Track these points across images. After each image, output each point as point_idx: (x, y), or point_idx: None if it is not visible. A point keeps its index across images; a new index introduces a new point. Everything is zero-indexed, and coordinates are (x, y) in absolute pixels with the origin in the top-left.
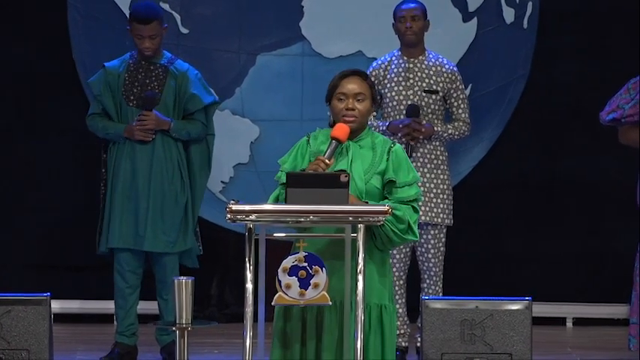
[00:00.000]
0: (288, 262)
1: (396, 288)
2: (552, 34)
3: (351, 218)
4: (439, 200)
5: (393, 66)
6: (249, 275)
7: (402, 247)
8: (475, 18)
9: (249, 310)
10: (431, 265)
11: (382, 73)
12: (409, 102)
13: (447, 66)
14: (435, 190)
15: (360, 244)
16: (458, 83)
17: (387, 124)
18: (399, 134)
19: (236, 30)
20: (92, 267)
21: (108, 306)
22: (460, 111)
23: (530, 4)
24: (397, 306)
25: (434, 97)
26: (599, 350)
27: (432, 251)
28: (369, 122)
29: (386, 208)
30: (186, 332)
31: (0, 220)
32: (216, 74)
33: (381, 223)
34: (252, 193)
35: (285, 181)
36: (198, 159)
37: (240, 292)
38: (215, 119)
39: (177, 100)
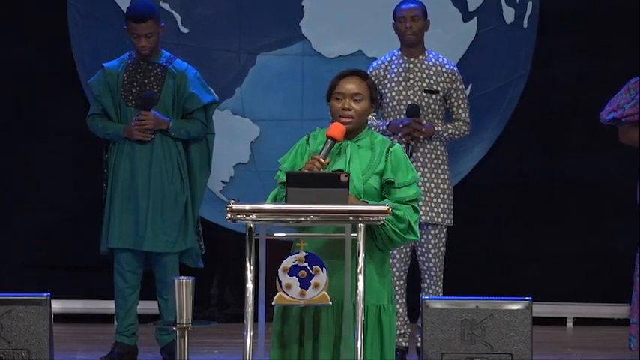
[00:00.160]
0: (288, 261)
1: (397, 288)
2: (552, 34)
3: (351, 218)
4: (439, 200)
5: (393, 66)
6: (249, 275)
7: (402, 246)
8: (475, 18)
9: (249, 309)
10: (431, 264)
11: (382, 73)
12: (409, 102)
13: (447, 66)
14: (435, 190)
15: (361, 243)
16: (458, 83)
17: (388, 124)
18: (400, 134)
19: (236, 30)
20: (92, 267)
21: (108, 306)
22: (460, 111)
23: (530, 3)
24: (397, 306)
25: (434, 96)
26: (600, 350)
27: (433, 251)
28: (368, 122)
29: (386, 207)
30: (186, 332)
31: (0, 220)
32: (216, 74)
33: (382, 222)
34: (253, 193)
35: (283, 181)
36: (198, 158)
37: (241, 292)
38: (215, 119)
39: (176, 99)
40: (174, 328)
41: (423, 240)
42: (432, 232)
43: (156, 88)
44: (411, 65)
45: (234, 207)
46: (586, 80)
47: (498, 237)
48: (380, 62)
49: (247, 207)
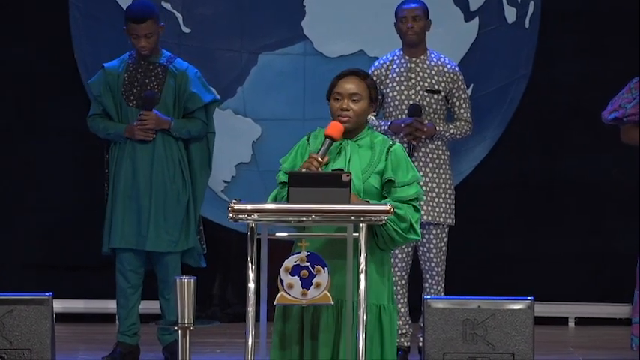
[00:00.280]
0: (290, 261)
1: (398, 287)
2: (554, 34)
3: (353, 218)
4: (441, 200)
5: (394, 65)
6: (251, 275)
7: (404, 246)
8: (477, 17)
9: (251, 309)
10: (433, 264)
11: (384, 73)
12: (411, 102)
13: (448, 65)
14: (436, 190)
15: (362, 243)
16: (460, 83)
17: (389, 123)
18: (401, 134)
19: (238, 29)
20: (92, 267)
21: (108, 305)
22: (462, 110)
23: (531, 3)
24: (399, 305)
25: (436, 96)
26: (601, 350)
27: (434, 251)
28: (370, 122)
29: (388, 207)
30: (188, 332)
31: (0, 220)
32: (218, 74)
33: (383, 222)
34: (254, 193)
35: (283, 181)
36: (198, 157)
37: (242, 292)
38: (217, 119)
39: (177, 98)
40: (176, 327)
41: (424, 240)
42: (434, 231)
43: (157, 88)
44: (413, 65)
45: (236, 207)
46: (587, 80)
47: (500, 237)
48: (381, 62)
49: (249, 207)
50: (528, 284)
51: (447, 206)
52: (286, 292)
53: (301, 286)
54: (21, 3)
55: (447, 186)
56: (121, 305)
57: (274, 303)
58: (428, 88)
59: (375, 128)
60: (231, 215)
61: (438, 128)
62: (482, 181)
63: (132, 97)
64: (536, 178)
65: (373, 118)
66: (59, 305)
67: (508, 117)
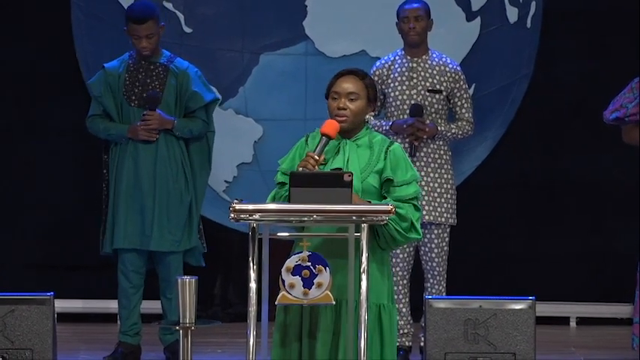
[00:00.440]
0: (291, 261)
1: (400, 287)
2: (556, 34)
3: (354, 217)
4: (442, 200)
5: (396, 65)
6: (252, 275)
7: (405, 246)
8: (478, 17)
9: (252, 309)
10: (434, 264)
11: (385, 73)
12: (412, 101)
13: (450, 65)
14: (438, 190)
15: (364, 243)
16: (461, 82)
17: (391, 123)
18: (403, 134)
19: (239, 29)
20: (92, 267)
21: (109, 305)
22: (464, 110)
23: (533, 3)
24: (401, 305)
25: (437, 96)
26: (603, 350)
27: (436, 251)
28: (372, 121)
29: (389, 207)
30: (189, 332)
31: (0, 220)
32: (219, 73)
33: (385, 222)
34: (256, 193)
35: (281, 181)
36: (198, 157)
37: (244, 292)
38: (218, 118)
39: (179, 98)
40: (177, 327)
41: (426, 240)
42: (435, 231)
43: (158, 88)
44: (414, 65)
45: (238, 207)
46: (589, 80)
47: (501, 236)
48: (383, 62)
49: (250, 207)
50: (530, 284)
51: (449, 206)
52: (288, 292)
53: (303, 286)
54: (22, 3)
55: (449, 186)
56: (122, 305)
57: (276, 303)
58: (429, 88)
59: (376, 128)
60: (232, 215)
61: (439, 128)
62: (484, 181)
63: (133, 97)
64: (537, 178)
65: (371, 117)
66: (59, 305)
67: (510, 117)
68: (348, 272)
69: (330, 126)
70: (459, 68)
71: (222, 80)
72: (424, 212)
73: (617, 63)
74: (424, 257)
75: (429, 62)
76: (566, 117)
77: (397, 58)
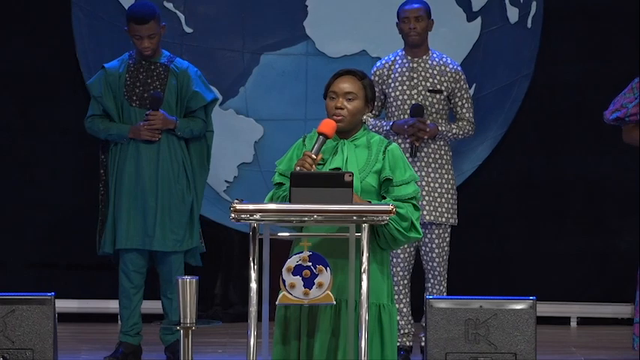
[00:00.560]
0: (292, 261)
1: (401, 287)
2: (556, 34)
3: (355, 217)
4: (443, 200)
5: (397, 65)
6: (253, 275)
7: (406, 246)
8: (479, 17)
9: (253, 309)
10: (435, 264)
11: (386, 73)
12: (413, 102)
13: (450, 65)
14: (439, 190)
15: (364, 243)
16: (462, 82)
17: (392, 123)
18: (404, 134)
19: (240, 29)
20: (93, 266)
21: (109, 305)
22: (464, 110)
23: (534, 3)
24: (402, 305)
25: (438, 96)
26: (604, 350)
27: (437, 251)
28: (371, 121)
29: (390, 207)
30: (190, 332)
31: (0, 220)
32: (220, 74)
33: (386, 222)
34: (257, 193)
35: (279, 182)
36: (197, 157)
37: (244, 292)
38: (219, 119)
39: (180, 98)
40: (178, 327)
41: (426, 240)
42: (436, 231)
43: (159, 88)
44: (415, 65)
45: (238, 206)
46: (590, 80)
47: (502, 236)
48: (384, 62)
49: (251, 206)
50: (530, 284)
51: (450, 206)
52: (288, 292)
53: (303, 286)
54: (23, 2)
55: (450, 186)
56: (123, 305)
57: (276, 303)
58: (430, 88)
59: (377, 129)
60: (233, 215)
61: (440, 128)
62: (485, 181)
63: (134, 98)
64: (538, 178)
65: (369, 118)
66: (59, 305)
67: (510, 117)
68: (348, 272)
69: (328, 125)
70: (459, 68)
71: (222, 80)
72: (425, 212)
73: (617, 63)
74: (425, 257)
75: (430, 62)
76: (567, 117)
77: (398, 58)
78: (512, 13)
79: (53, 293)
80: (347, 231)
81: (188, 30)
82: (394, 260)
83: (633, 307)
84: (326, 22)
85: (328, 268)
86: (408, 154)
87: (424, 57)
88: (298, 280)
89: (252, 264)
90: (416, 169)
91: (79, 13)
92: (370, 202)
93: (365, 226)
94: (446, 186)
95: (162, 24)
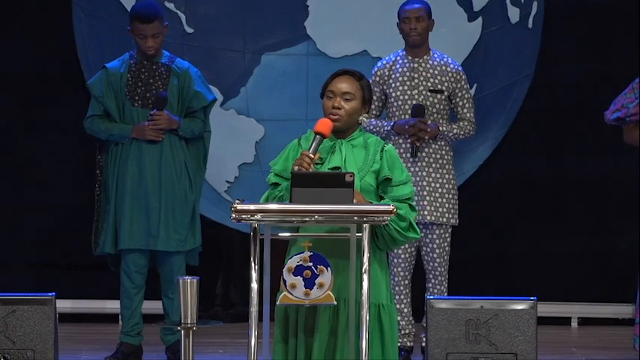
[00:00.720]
0: (293, 261)
1: (401, 288)
2: (557, 34)
3: (356, 218)
4: (444, 200)
5: (397, 66)
6: (254, 275)
7: (406, 246)
8: (480, 17)
9: (254, 309)
10: (436, 264)
11: (387, 73)
12: (414, 102)
13: (451, 65)
14: (440, 190)
15: (365, 243)
16: (463, 83)
17: (392, 124)
18: (405, 134)
19: (241, 29)
20: (93, 267)
21: (109, 305)
22: (465, 110)
23: (535, 3)
24: (402, 306)
25: (439, 96)
26: (605, 350)
27: (437, 251)
28: (373, 121)
29: (391, 207)
30: (191, 332)
31: (0, 220)
32: (220, 74)
33: (386, 222)
34: (257, 193)
35: (274, 182)
36: (195, 157)
37: (245, 292)
38: (220, 119)
39: (181, 98)
40: (179, 327)
41: (427, 240)
42: (437, 231)
43: (161, 88)
44: (416, 65)
45: (239, 207)
46: (590, 80)
47: (503, 237)
48: (384, 62)
49: (252, 207)
50: (531, 284)
51: (450, 206)
52: (289, 292)
53: (304, 286)
54: (23, 2)
55: (450, 186)
56: (124, 306)
57: (277, 303)
58: (431, 88)
59: (377, 129)
60: (234, 215)
61: (441, 128)
62: (486, 181)
63: (137, 98)
64: (538, 178)
65: (364, 119)
66: (60, 305)
67: (511, 117)
68: (349, 272)
69: (324, 125)
70: (460, 68)
71: (223, 80)
72: (426, 212)
73: (618, 63)
74: (425, 257)
75: (431, 62)
76: (568, 117)
77: (398, 58)
78: (513, 13)
79: (54, 293)
80: (345, 231)
81: (189, 30)
82: (395, 260)
83: (634, 308)
84: (327, 22)
85: (329, 268)
86: (409, 155)
87: (425, 57)
88: (299, 281)
89: (252, 264)
90: (417, 169)
91: (79, 13)
92: (371, 202)
93: (366, 226)
94: (447, 186)
95: (165, 24)
